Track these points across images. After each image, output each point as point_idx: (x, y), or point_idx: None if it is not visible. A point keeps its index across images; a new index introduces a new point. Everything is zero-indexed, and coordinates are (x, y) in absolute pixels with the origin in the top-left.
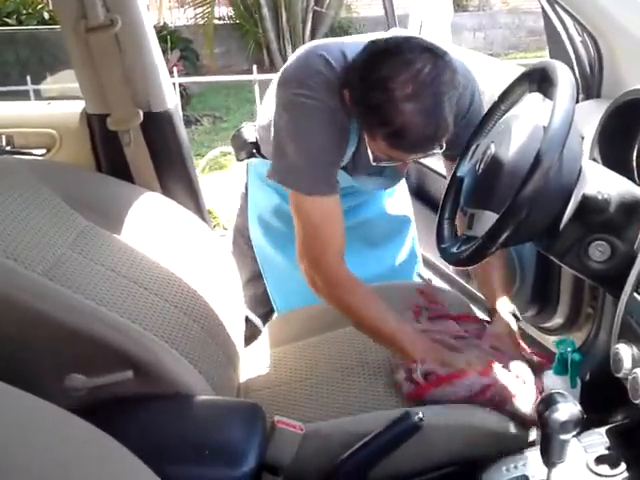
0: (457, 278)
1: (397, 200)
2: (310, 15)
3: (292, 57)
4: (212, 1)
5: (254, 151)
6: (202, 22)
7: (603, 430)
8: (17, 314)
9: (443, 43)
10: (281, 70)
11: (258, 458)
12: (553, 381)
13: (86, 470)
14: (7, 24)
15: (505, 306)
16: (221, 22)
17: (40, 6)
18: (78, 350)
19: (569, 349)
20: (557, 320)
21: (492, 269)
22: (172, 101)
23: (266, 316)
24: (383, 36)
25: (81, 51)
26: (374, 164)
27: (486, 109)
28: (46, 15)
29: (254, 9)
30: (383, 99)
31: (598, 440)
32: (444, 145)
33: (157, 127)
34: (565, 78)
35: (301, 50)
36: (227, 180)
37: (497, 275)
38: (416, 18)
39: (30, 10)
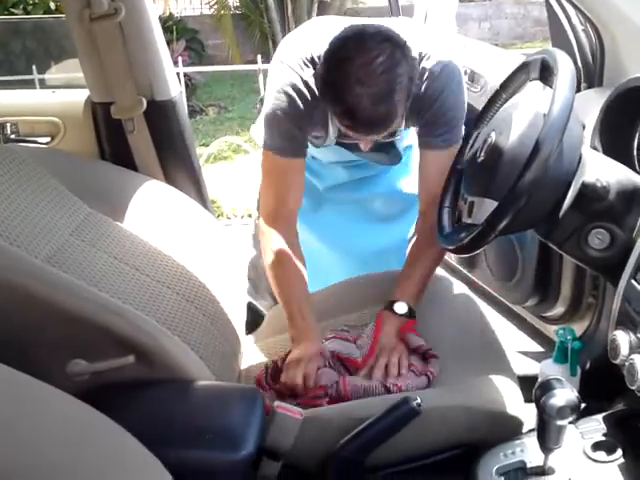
0: (459, 267)
1: (412, 180)
2: (315, 5)
3: (299, 28)
4: None
5: None
6: (210, 12)
7: (600, 417)
8: (20, 300)
9: (447, 33)
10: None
11: (257, 442)
12: (553, 369)
13: (86, 451)
14: (13, 14)
15: (400, 305)
16: (220, 12)
17: None
18: (80, 335)
19: (569, 337)
20: (558, 309)
21: (421, 263)
22: (176, 90)
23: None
24: (365, 22)
25: (85, 40)
26: (335, 139)
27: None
28: (52, 5)
29: None
30: (338, 78)
31: (595, 426)
32: (395, 131)
33: (160, 115)
34: (565, 66)
35: (307, 23)
36: (231, 170)
37: (421, 272)
38: (421, 8)
39: (36, 0)
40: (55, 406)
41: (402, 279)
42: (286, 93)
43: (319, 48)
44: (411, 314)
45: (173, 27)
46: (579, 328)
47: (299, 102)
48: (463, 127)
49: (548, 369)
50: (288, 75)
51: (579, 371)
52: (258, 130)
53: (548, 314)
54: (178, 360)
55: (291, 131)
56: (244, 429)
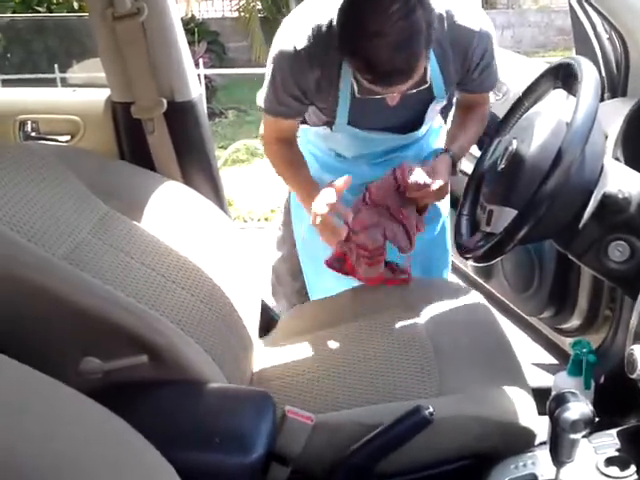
0: (475, 277)
1: None
2: None
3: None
4: None
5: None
6: (232, 15)
7: (614, 432)
8: (36, 297)
9: None
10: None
11: (267, 446)
12: (567, 382)
13: (97, 450)
14: (37, 12)
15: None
16: (246, 15)
17: None
18: (95, 334)
19: (584, 350)
20: (574, 322)
21: (472, 122)
22: (196, 91)
23: None
24: None
25: (108, 39)
26: (358, 96)
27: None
28: (75, 4)
29: (282, 2)
30: (355, 32)
31: (608, 441)
32: (424, 82)
33: (180, 116)
34: (590, 75)
35: None
36: (249, 173)
37: (472, 131)
38: None
39: None
40: (68, 404)
41: (455, 134)
42: (280, 60)
43: (322, 16)
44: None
45: (195, 29)
46: (595, 341)
47: (294, 69)
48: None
49: (562, 382)
50: (285, 42)
51: (593, 385)
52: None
53: (564, 326)
54: (191, 361)
55: (287, 97)
56: (254, 433)
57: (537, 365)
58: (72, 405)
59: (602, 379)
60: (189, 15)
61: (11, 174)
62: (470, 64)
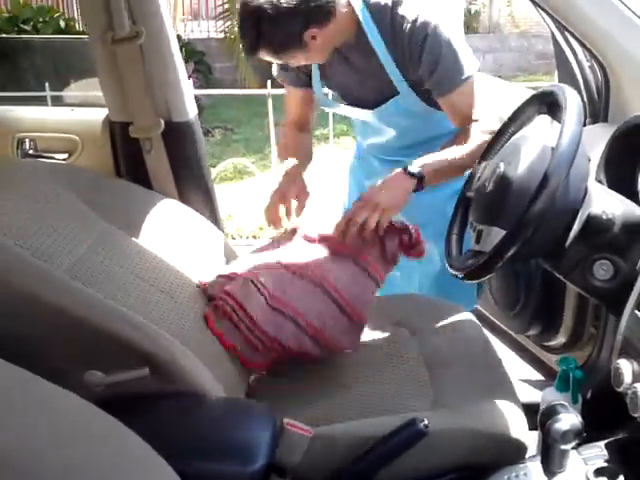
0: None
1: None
2: None
3: None
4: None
5: None
6: (219, 36)
7: (602, 444)
8: (39, 310)
9: None
10: None
11: (268, 456)
12: (555, 397)
13: (101, 455)
14: (24, 30)
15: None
16: (232, 36)
17: (57, 14)
18: (97, 347)
19: (571, 366)
20: (560, 339)
21: (451, 150)
22: (192, 112)
23: None
24: None
25: (107, 61)
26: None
27: (495, 130)
28: (62, 23)
29: None
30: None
31: (597, 453)
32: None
33: (177, 136)
34: (573, 102)
35: None
36: (237, 191)
37: (447, 155)
38: None
39: (47, 18)
40: (73, 410)
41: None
42: None
43: None
44: (420, 180)
45: (182, 49)
46: (580, 358)
47: None
48: (467, 53)
49: (550, 397)
50: None
51: (580, 400)
52: None
53: (550, 344)
54: (191, 374)
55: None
56: (256, 444)
57: (524, 381)
58: (77, 411)
59: (589, 394)
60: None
61: (11, 190)
62: (412, 54)
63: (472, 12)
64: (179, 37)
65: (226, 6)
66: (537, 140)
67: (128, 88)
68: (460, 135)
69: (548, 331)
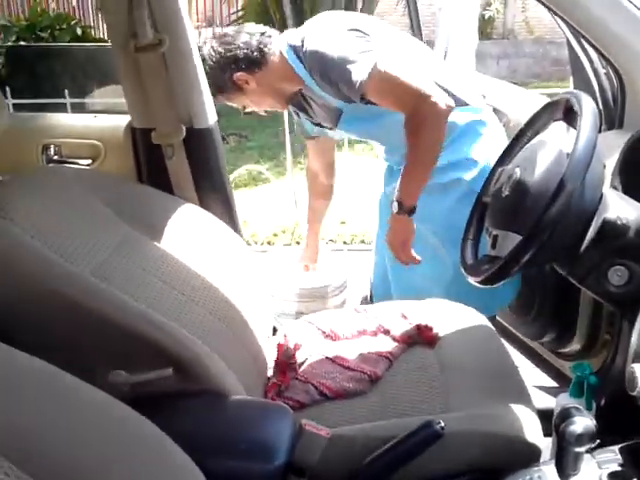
0: None
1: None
2: None
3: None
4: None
5: None
6: None
7: (616, 448)
8: (67, 311)
9: (466, 69)
10: None
11: (288, 455)
12: (569, 403)
13: (129, 451)
14: (41, 38)
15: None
16: None
17: (74, 22)
18: (122, 347)
19: (586, 372)
20: (575, 346)
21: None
22: (213, 118)
23: None
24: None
25: (129, 68)
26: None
27: (512, 136)
28: (79, 31)
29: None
30: None
31: (611, 457)
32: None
33: (198, 142)
34: (589, 109)
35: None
36: (252, 197)
37: (410, 168)
38: (441, 45)
39: (64, 26)
40: (99, 407)
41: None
42: None
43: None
44: (408, 210)
45: None
46: (595, 364)
47: None
48: (359, 53)
49: (564, 403)
50: None
51: (594, 405)
52: None
53: (564, 350)
54: (214, 374)
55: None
56: (277, 442)
57: (538, 388)
58: (112, 411)
59: (603, 400)
60: None
61: (38, 194)
62: (315, 76)
63: (486, 18)
64: None
65: (240, 13)
66: (553, 146)
67: (150, 95)
68: (406, 123)
69: (563, 337)
